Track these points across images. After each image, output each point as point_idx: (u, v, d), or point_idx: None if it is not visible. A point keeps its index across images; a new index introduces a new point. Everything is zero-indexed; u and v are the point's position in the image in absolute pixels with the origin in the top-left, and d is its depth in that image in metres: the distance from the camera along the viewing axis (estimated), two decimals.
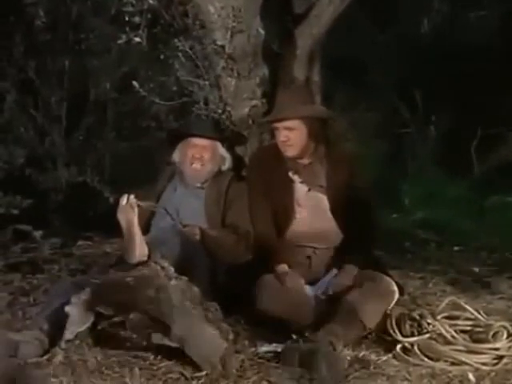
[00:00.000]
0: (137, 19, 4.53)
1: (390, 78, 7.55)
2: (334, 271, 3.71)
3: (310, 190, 3.83)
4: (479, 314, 3.42)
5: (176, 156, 4.05)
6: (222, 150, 4.04)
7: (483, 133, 6.99)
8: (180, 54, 4.40)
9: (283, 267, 3.69)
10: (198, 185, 4.00)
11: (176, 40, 4.39)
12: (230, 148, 4.14)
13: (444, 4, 7.92)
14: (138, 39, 4.52)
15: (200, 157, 3.96)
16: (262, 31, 4.18)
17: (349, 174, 3.85)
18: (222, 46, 4.12)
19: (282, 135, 3.75)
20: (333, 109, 4.43)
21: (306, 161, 3.84)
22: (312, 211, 3.81)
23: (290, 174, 3.84)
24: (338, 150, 3.93)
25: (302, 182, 3.84)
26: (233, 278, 3.78)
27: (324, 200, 3.82)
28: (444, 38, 7.73)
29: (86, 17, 6.07)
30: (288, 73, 4.30)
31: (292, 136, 3.73)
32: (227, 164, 4.07)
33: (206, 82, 4.35)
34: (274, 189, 3.83)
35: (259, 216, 3.85)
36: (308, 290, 3.64)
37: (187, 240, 3.67)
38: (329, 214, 3.80)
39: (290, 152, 3.77)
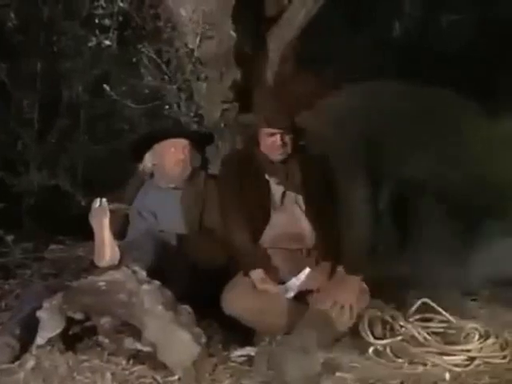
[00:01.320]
0: (107, 22, 4.52)
1: None
2: (307, 270, 3.70)
3: (285, 191, 3.83)
4: (451, 316, 3.43)
5: (150, 160, 4.03)
6: (193, 150, 4.05)
7: None
8: (146, 58, 4.40)
9: (259, 273, 3.69)
10: (173, 186, 4.00)
11: (141, 45, 4.39)
12: (201, 148, 4.16)
13: (416, 8, 7.96)
14: (108, 42, 4.51)
15: (183, 158, 3.96)
16: (233, 34, 4.18)
17: (323, 174, 3.86)
18: (192, 50, 4.12)
19: (280, 140, 3.75)
20: None
21: (281, 162, 3.85)
22: (288, 213, 3.81)
23: (266, 176, 3.85)
24: (310, 151, 3.95)
25: (278, 184, 3.84)
26: (208, 282, 3.78)
27: (300, 201, 3.82)
28: (416, 42, 7.77)
29: (58, 19, 6.03)
30: (260, 76, 4.31)
31: (287, 140, 3.76)
32: (197, 163, 4.08)
33: (174, 86, 4.35)
34: (250, 192, 3.83)
35: (234, 220, 3.84)
36: (281, 289, 3.64)
37: (162, 244, 3.67)
38: (304, 215, 3.81)
39: (282, 155, 3.78)
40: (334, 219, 3.78)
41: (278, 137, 3.76)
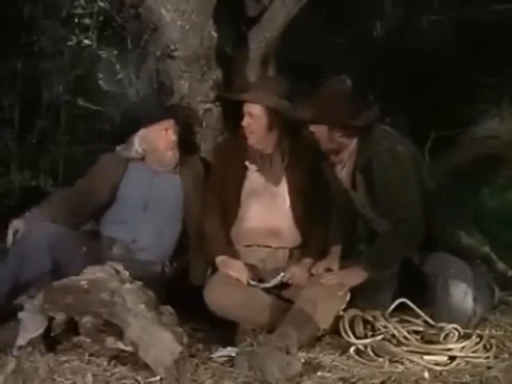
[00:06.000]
0: (87, 21, 4.51)
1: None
2: (282, 274, 3.69)
3: (266, 179, 3.81)
4: (427, 316, 3.43)
5: (139, 145, 3.95)
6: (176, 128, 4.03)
7: (437, 135, 7.06)
8: (127, 58, 4.40)
9: (222, 258, 3.71)
10: (168, 168, 3.97)
11: (122, 45, 4.38)
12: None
13: (397, 9, 8.00)
14: (88, 41, 4.50)
15: (174, 139, 3.93)
16: (214, 34, 4.17)
17: (312, 167, 3.82)
18: (175, 49, 4.11)
19: (244, 120, 3.75)
20: None
21: (267, 151, 3.83)
22: (268, 204, 3.79)
23: (247, 162, 3.83)
24: (303, 143, 3.88)
25: (257, 171, 3.82)
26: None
27: (282, 193, 3.79)
28: (397, 42, 7.80)
29: (38, 18, 6.00)
30: (241, 76, 4.31)
31: (252, 123, 3.73)
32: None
33: (154, 86, 4.34)
34: (229, 179, 3.83)
35: (210, 208, 3.84)
36: (252, 282, 3.64)
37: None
38: (286, 208, 3.79)
39: (251, 140, 3.77)
40: (320, 216, 3.78)
41: (244, 117, 3.77)
